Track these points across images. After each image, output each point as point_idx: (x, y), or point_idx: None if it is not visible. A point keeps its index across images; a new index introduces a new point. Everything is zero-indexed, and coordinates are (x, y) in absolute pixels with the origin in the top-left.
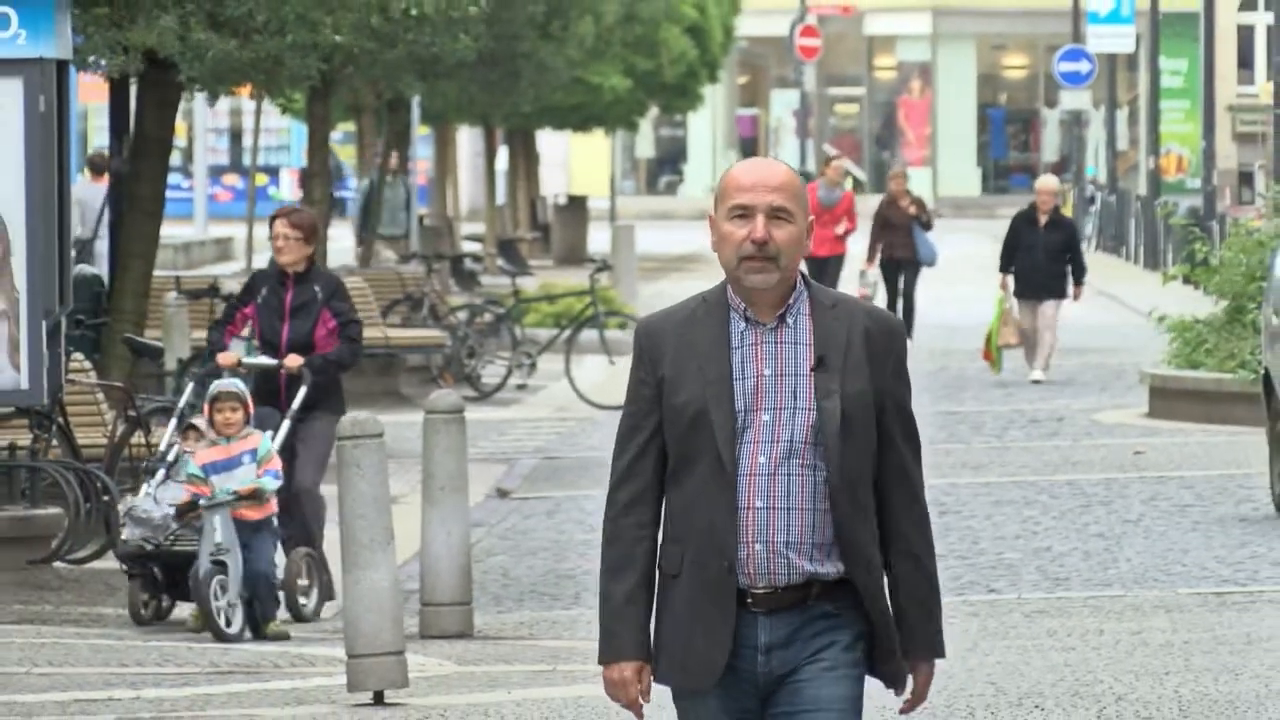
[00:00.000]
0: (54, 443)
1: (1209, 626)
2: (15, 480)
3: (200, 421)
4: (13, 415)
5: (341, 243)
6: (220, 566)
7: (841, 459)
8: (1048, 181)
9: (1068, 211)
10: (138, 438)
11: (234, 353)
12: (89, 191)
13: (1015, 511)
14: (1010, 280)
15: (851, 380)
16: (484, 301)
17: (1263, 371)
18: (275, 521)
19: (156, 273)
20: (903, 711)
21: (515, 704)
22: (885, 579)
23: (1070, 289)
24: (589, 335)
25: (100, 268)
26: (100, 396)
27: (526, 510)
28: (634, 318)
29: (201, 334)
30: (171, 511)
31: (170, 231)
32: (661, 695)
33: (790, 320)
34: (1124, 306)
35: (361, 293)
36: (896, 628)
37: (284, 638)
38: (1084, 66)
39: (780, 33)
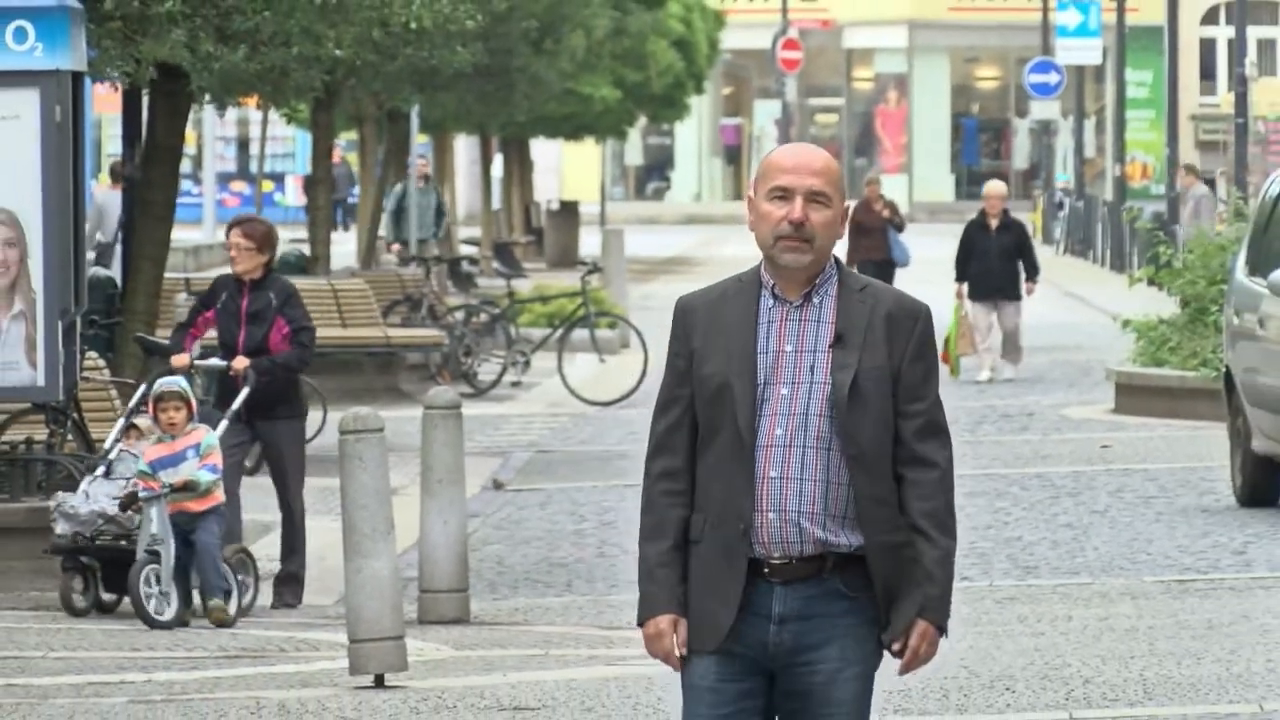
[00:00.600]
0: (69, 437)
1: (1172, 612)
2: (31, 473)
3: (142, 420)
4: (29, 411)
5: (345, 246)
6: (154, 557)
7: (854, 431)
8: (995, 187)
9: (1038, 217)
10: None
11: (186, 355)
12: (109, 197)
13: (987, 503)
14: (965, 288)
15: (868, 357)
16: (480, 302)
17: (1224, 369)
18: (220, 512)
19: (167, 275)
20: (902, 670)
21: (510, 686)
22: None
23: (1024, 288)
24: (580, 334)
25: (120, 271)
26: (113, 393)
27: (520, 501)
28: (623, 318)
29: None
30: (99, 507)
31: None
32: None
33: (816, 299)
34: (1091, 307)
35: (363, 294)
36: (905, 593)
37: (228, 624)
38: (1053, 78)
39: (763, 46)
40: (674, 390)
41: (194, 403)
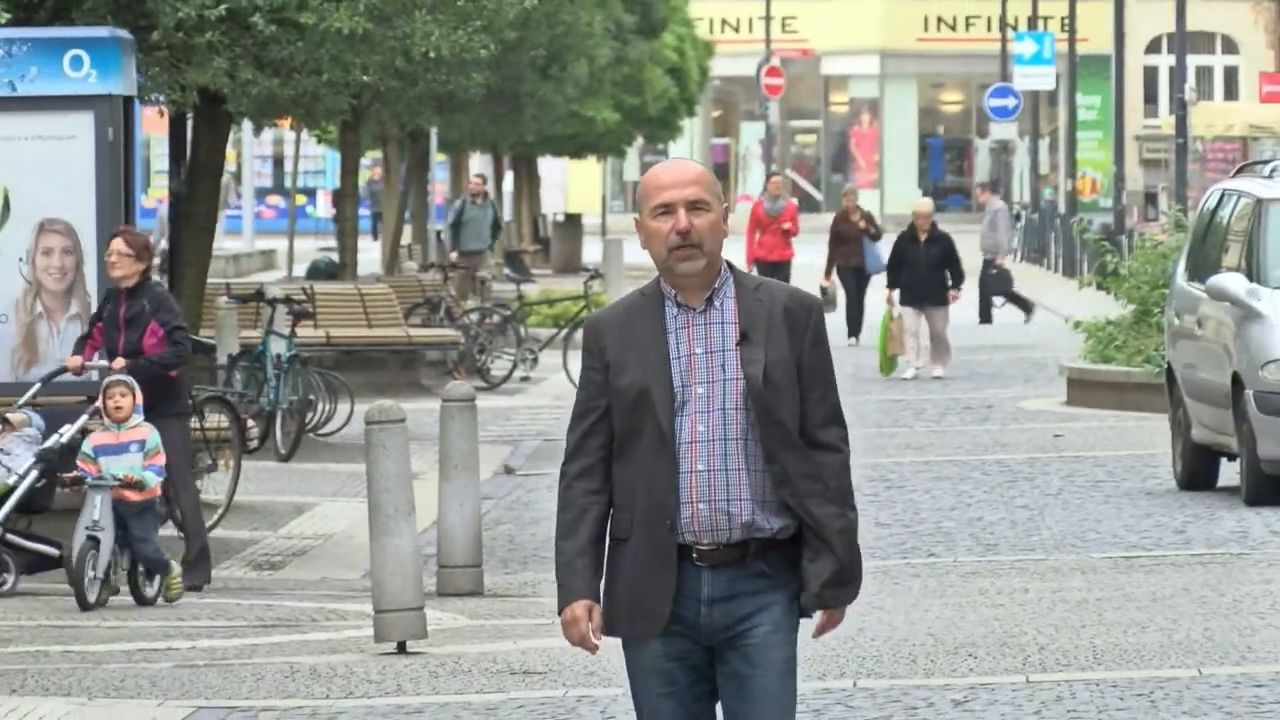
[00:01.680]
0: None
1: (1119, 586)
2: None
3: (12, 415)
4: (84, 402)
5: (371, 253)
6: (93, 542)
7: (770, 420)
8: (923, 205)
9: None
10: (194, 422)
11: (78, 359)
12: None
13: (951, 486)
14: (897, 294)
15: (773, 350)
16: (493, 305)
17: (1165, 366)
18: (156, 504)
19: (209, 280)
20: (817, 634)
21: (520, 653)
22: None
23: (950, 294)
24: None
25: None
26: None
27: (529, 485)
28: None
29: (250, 334)
30: None
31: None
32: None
33: (717, 303)
34: (1045, 309)
35: (387, 297)
36: (824, 557)
37: (178, 595)
38: (1011, 102)
39: (748, 73)
40: (590, 401)
41: (139, 394)
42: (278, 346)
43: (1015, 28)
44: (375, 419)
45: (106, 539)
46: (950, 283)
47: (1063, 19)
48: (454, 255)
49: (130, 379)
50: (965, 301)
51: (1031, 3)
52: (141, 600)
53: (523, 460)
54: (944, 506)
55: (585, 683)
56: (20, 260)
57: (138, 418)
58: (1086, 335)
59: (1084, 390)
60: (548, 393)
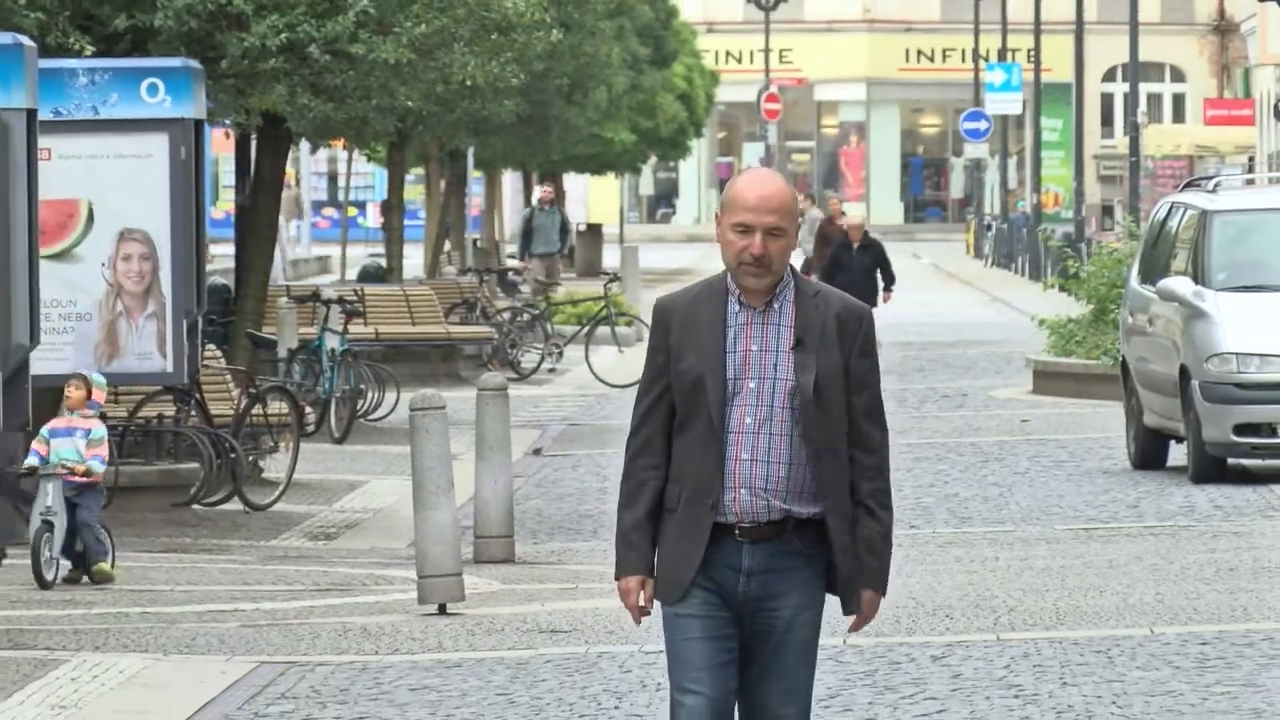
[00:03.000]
0: (192, 413)
1: (1079, 554)
2: (162, 442)
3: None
4: (160, 392)
5: (414, 259)
6: (48, 526)
7: (814, 421)
8: (855, 217)
9: (970, 236)
10: (257, 409)
11: None
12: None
13: (929, 465)
14: None
15: (824, 357)
16: (523, 305)
17: (1120, 359)
18: (99, 488)
19: (271, 283)
20: (852, 630)
21: (547, 614)
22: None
23: (881, 296)
24: (603, 331)
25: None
26: (228, 378)
27: (555, 465)
28: (639, 318)
29: (307, 331)
30: None
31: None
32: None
33: (776, 306)
34: (1013, 309)
35: (429, 298)
36: (854, 563)
37: (110, 580)
38: (983, 125)
39: (749, 99)
40: (654, 380)
41: (94, 388)
42: (332, 342)
43: (986, 59)
44: (418, 406)
45: (60, 523)
46: (882, 285)
47: (1029, 51)
48: (523, 262)
49: (92, 375)
50: (973, 300)
51: (1001, 36)
52: (41, 581)
53: (550, 442)
54: (923, 484)
55: (605, 640)
56: (103, 265)
57: (91, 410)
58: (1050, 331)
59: (1048, 380)
60: (571, 383)
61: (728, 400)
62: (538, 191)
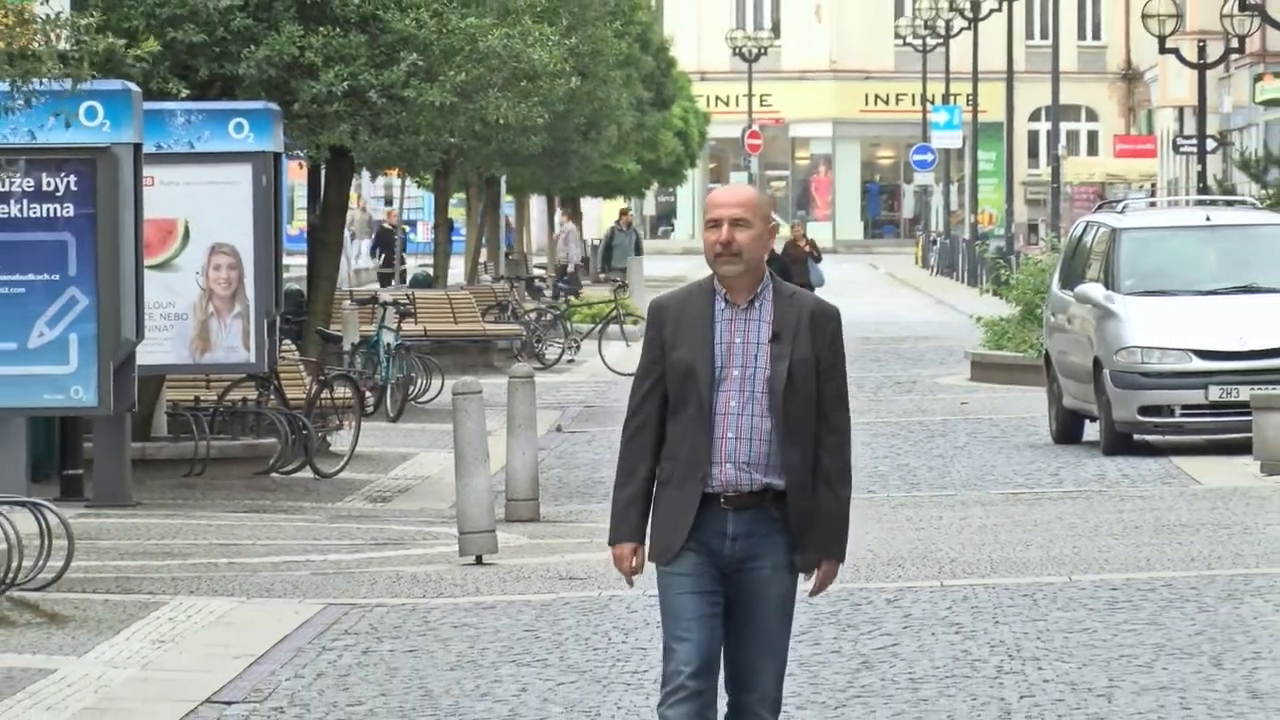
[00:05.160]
0: (271, 397)
1: (1010, 515)
2: (246, 421)
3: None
4: (244, 379)
5: (456, 269)
6: None
7: (788, 406)
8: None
9: (919, 250)
10: (325, 394)
11: None
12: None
13: (885, 441)
14: None
15: (798, 350)
16: (547, 306)
17: (1044, 352)
18: None
19: (337, 288)
20: (811, 595)
21: (567, 564)
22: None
23: None
24: (614, 328)
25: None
26: (301, 367)
27: (574, 440)
28: (642, 317)
29: (367, 328)
30: None
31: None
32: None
33: (757, 304)
34: (954, 310)
35: (468, 301)
36: (813, 533)
37: None
38: (929, 157)
39: (735, 135)
40: (649, 369)
41: None
42: (388, 337)
43: (932, 102)
44: (460, 391)
45: None
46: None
47: (968, 95)
48: (602, 276)
49: None
50: (922, 303)
51: (944, 84)
52: None
53: (569, 421)
54: (879, 455)
55: (615, 586)
56: (197, 273)
57: None
58: (985, 329)
59: (983, 370)
60: (587, 372)
61: (715, 386)
62: (618, 215)
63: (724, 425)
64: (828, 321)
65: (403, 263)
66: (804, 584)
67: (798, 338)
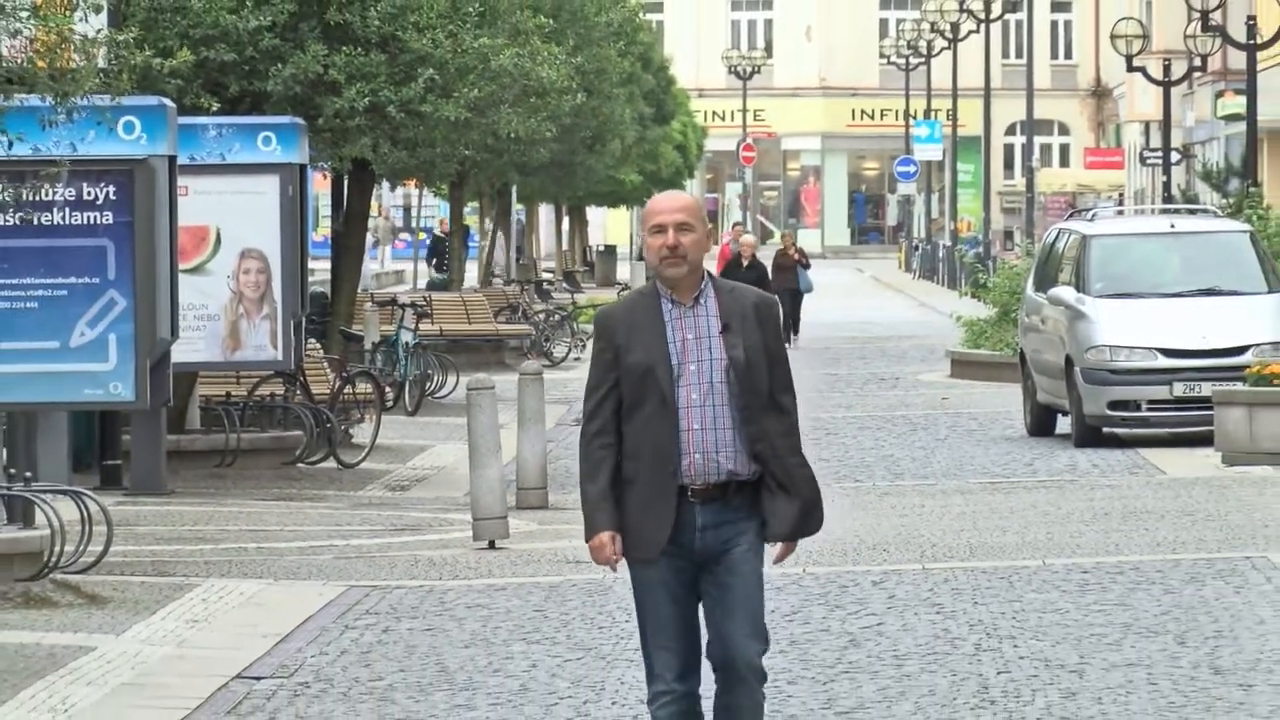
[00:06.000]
0: (297, 392)
1: (987, 502)
2: (274, 414)
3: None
4: (272, 375)
5: (470, 273)
6: None
7: (746, 392)
8: (748, 238)
9: (902, 255)
10: (348, 389)
11: None
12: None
13: (870, 433)
14: None
15: (748, 338)
16: (555, 308)
17: (1019, 350)
18: None
19: (359, 291)
20: (776, 560)
21: (574, 548)
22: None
23: None
24: None
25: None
26: (325, 365)
27: (579, 433)
28: None
29: (387, 328)
30: None
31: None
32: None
33: (702, 301)
34: (935, 311)
35: (481, 302)
36: (781, 502)
37: None
38: (912, 168)
39: (730, 149)
40: (602, 376)
41: None
42: (406, 336)
43: (915, 117)
44: (474, 386)
45: None
46: None
47: (948, 111)
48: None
49: None
50: (905, 304)
51: (926, 100)
52: None
53: (575, 415)
54: (865, 447)
55: (619, 570)
56: (228, 277)
57: None
58: (964, 328)
59: (963, 367)
60: None
61: (675, 382)
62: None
63: (689, 418)
64: (771, 308)
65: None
66: (796, 551)
67: (745, 327)
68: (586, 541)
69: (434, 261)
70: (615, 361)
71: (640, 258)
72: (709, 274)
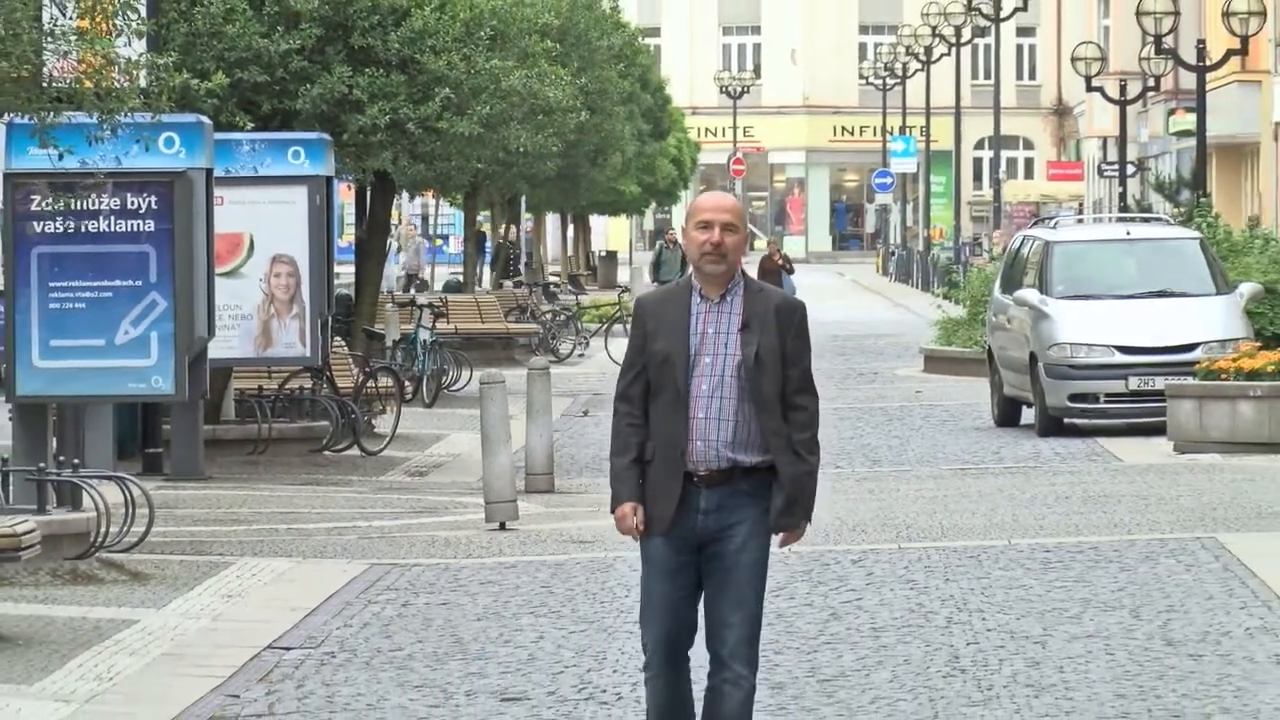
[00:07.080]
0: (324, 386)
1: (958, 487)
2: (302, 406)
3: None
4: (300, 371)
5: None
6: None
7: (755, 388)
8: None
9: (880, 260)
10: (370, 383)
11: None
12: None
13: (850, 424)
14: None
15: (765, 338)
16: (560, 308)
17: (987, 347)
18: None
19: (381, 292)
20: (781, 545)
21: (578, 529)
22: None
23: None
24: (618, 327)
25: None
26: (350, 361)
27: (583, 423)
28: None
29: (406, 327)
30: None
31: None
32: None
33: (729, 298)
34: (910, 311)
35: (493, 303)
36: (792, 497)
37: None
38: (889, 180)
39: (722, 161)
40: (634, 357)
41: None
42: (424, 334)
43: (891, 133)
44: (486, 381)
45: None
46: None
47: (921, 127)
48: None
49: None
50: (883, 305)
51: (902, 117)
52: None
53: (579, 408)
54: (845, 436)
55: (619, 549)
56: (260, 280)
57: None
58: (937, 327)
59: (936, 363)
60: (595, 365)
61: (689, 372)
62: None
63: (696, 406)
64: (793, 312)
65: (519, 273)
66: (776, 538)
67: (765, 327)
68: (612, 512)
69: (496, 268)
70: (644, 346)
71: (684, 268)
72: (743, 274)
